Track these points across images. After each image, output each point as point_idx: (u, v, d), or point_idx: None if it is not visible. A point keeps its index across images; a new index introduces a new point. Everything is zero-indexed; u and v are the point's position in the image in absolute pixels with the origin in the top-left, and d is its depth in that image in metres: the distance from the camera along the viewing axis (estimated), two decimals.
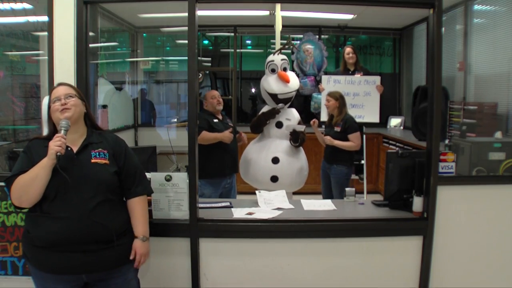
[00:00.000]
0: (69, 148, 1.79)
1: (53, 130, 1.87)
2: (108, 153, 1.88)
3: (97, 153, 1.85)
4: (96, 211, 1.75)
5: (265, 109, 3.66)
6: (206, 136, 3.35)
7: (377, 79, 4.50)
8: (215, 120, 3.51)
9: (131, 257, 1.88)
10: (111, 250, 1.80)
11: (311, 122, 3.82)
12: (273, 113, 3.51)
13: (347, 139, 3.65)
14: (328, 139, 3.68)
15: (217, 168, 3.38)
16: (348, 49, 4.77)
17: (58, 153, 1.69)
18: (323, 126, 4.02)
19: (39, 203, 1.74)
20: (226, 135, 3.39)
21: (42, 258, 1.75)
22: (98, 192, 1.78)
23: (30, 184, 1.70)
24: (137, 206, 1.93)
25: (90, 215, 1.73)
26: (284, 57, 3.60)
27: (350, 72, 4.74)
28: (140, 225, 1.92)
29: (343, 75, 4.64)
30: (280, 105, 3.51)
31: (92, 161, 1.82)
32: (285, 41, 4.12)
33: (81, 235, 1.73)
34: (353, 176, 4.80)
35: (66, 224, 1.71)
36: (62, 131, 1.75)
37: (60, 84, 1.92)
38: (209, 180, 3.36)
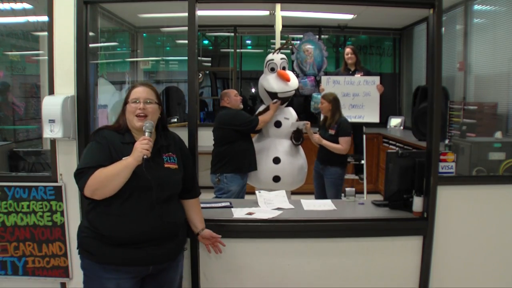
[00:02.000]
0: None
1: (124, 124, 1.88)
2: (176, 156, 1.94)
3: (168, 158, 1.90)
4: (167, 212, 1.85)
5: (261, 108, 3.66)
6: (265, 118, 3.49)
7: (376, 79, 4.50)
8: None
9: (208, 243, 2.14)
10: (173, 242, 1.91)
11: (304, 124, 3.72)
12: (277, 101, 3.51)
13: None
14: (317, 138, 3.65)
15: (250, 162, 3.48)
16: (347, 50, 4.79)
17: (145, 156, 1.71)
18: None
19: (109, 199, 1.75)
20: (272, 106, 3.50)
21: (112, 253, 1.78)
22: (171, 195, 1.89)
23: (111, 180, 1.71)
24: (195, 206, 2.11)
25: (163, 216, 1.82)
26: (283, 56, 3.61)
27: (351, 72, 4.74)
28: (200, 219, 2.13)
29: (343, 75, 4.64)
30: (274, 100, 3.50)
31: (165, 165, 1.87)
32: (284, 41, 4.13)
33: (154, 234, 1.81)
34: (353, 176, 4.82)
35: (142, 224, 1.77)
36: (147, 133, 1.77)
37: (142, 85, 1.92)
38: (239, 174, 3.42)
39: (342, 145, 3.59)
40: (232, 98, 3.57)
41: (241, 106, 3.65)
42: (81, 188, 1.74)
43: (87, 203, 1.88)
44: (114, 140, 1.82)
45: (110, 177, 1.70)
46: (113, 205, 1.76)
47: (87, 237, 1.82)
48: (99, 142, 1.81)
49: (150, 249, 1.80)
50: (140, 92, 1.86)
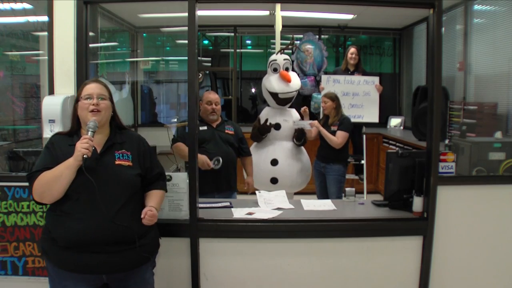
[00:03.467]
0: (93, 148, 1.78)
1: (76, 125, 1.87)
2: (132, 154, 1.88)
3: (121, 155, 1.85)
4: (119, 213, 1.76)
5: (264, 112, 3.65)
6: (180, 150, 2.98)
7: (375, 79, 4.50)
8: (202, 128, 3.06)
9: (142, 216, 1.82)
10: (132, 251, 1.80)
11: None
12: (267, 128, 3.47)
13: None
14: (316, 123, 3.64)
15: (211, 186, 2.96)
16: (352, 49, 4.78)
17: (85, 155, 1.69)
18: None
19: (60, 201, 1.74)
20: (202, 160, 2.84)
21: (64, 257, 1.75)
22: (122, 194, 1.79)
23: (54, 182, 1.70)
24: (154, 192, 1.95)
25: (114, 217, 1.74)
26: (287, 57, 3.61)
27: (350, 72, 4.74)
28: (153, 201, 1.91)
29: (342, 74, 4.64)
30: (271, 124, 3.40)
31: (116, 162, 1.83)
32: (288, 41, 4.12)
33: (103, 236, 1.73)
34: (353, 176, 4.82)
35: (89, 226, 1.72)
36: (90, 133, 1.75)
37: (94, 81, 1.90)
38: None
39: (338, 138, 3.60)
40: (203, 105, 3.09)
41: (212, 117, 3.09)
42: (31, 192, 1.74)
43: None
44: (62, 143, 1.82)
45: (53, 179, 1.70)
46: (63, 206, 1.75)
47: (45, 239, 1.82)
48: (47, 147, 1.83)
49: (102, 256, 1.74)
50: (93, 88, 1.84)
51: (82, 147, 1.69)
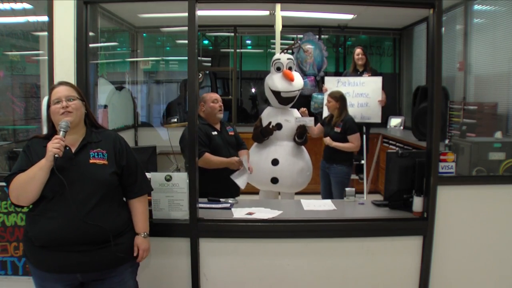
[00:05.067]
0: (67, 148, 1.79)
1: (52, 129, 1.87)
2: (108, 153, 1.87)
3: (96, 153, 1.84)
4: (92, 212, 1.75)
5: (265, 111, 3.65)
6: (212, 161, 2.91)
7: (378, 79, 4.51)
8: (214, 133, 3.06)
9: (134, 254, 1.90)
10: (107, 250, 1.79)
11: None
12: (270, 131, 3.47)
13: (346, 140, 3.65)
14: (328, 140, 3.68)
15: (222, 189, 2.94)
16: (358, 50, 4.79)
17: (56, 155, 1.69)
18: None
19: (37, 202, 1.76)
20: (233, 162, 3.00)
21: (40, 257, 1.77)
22: (96, 193, 1.78)
23: (28, 184, 1.71)
24: (138, 205, 1.96)
25: (85, 216, 1.73)
26: (290, 56, 3.61)
27: (359, 73, 4.74)
28: (140, 222, 1.95)
29: (351, 76, 4.65)
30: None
31: (91, 161, 1.82)
32: (288, 41, 4.11)
33: (75, 235, 1.73)
34: (353, 176, 4.82)
35: (60, 224, 1.72)
36: (61, 133, 1.75)
37: (60, 84, 1.89)
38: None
39: (353, 143, 3.64)
40: (209, 104, 3.04)
41: (220, 116, 3.10)
42: (9, 197, 1.76)
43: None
44: (36, 146, 1.82)
45: (27, 181, 1.71)
46: (39, 206, 1.76)
47: (24, 240, 1.84)
48: (23, 151, 1.84)
49: (75, 255, 1.74)
50: (60, 91, 1.84)
51: (53, 147, 1.70)
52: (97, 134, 1.92)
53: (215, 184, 2.88)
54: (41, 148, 1.78)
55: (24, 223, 1.86)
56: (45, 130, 2.21)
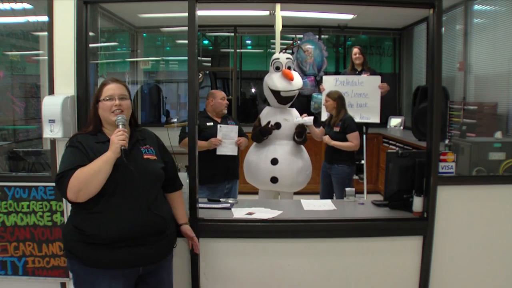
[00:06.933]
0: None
1: (99, 126, 1.87)
2: (154, 149, 1.94)
3: (146, 150, 1.91)
4: (155, 204, 1.83)
5: (264, 111, 3.65)
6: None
7: (378, 79, 4.50)
8: (209, 124, 3.42)
9: (189, 245, 2.15)
10: (164, 239, 1.88)
11: (303, 116, 3.68)
12: (269, 130, 3.47)
13: (346, 139, 3.64)
14: (326, 139, 3.67)
15: (208, 174, 3.16)
16: (355, 50, 4.79)
17: (123, 147, 1.71)
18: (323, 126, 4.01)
19: (95, 200, 1.72)
20: (211, 141, 3.29)
21: (99, 255, 1.74)
22: (153, 186, 1.86)
23: (92, 178, 1.68)
24: (179, 198, 2.12)
25: (151, 208, 1.80)
26: (290, 56, 3.61)
27: (357, 72, 4.74)
28: (183, 213, 2.13)
29: (350, 75, 4.65)
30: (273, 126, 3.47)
31: (145, 157, 1.88)
32: (288, 41, 4.11)
33: (144, 228, 1.78)
34: (353, 176, 4.81)
35: (130, 220, 1.75)
36: (120, 126, 1.78)
37: (113, 81, 1.89)
38: (203, 185, 3.21)
39: (353, 141, 3.62)
40: (217, 101, 3.45)
41: (225, 111, 3.51)
42: (63, 192, 1.70)
43: (71, 209, 1.84)
44: (88, 141, 1.81)
45: (91, 175, 1.68)
46: (99, 203, 1.73)
47: (73, 240, 1.78)
48: (74, 146, 1.79)
49: (138, 248, 1.77)
50: (114, 89, 1.85)
51: (119, 139, 1.72)
52: (140, 132, 1.97)
53: (212, 171, 3.27)
54: (95, 144, 1.80)
55: (71, 221, 1.81)
56: (45, 130, 2.21)
